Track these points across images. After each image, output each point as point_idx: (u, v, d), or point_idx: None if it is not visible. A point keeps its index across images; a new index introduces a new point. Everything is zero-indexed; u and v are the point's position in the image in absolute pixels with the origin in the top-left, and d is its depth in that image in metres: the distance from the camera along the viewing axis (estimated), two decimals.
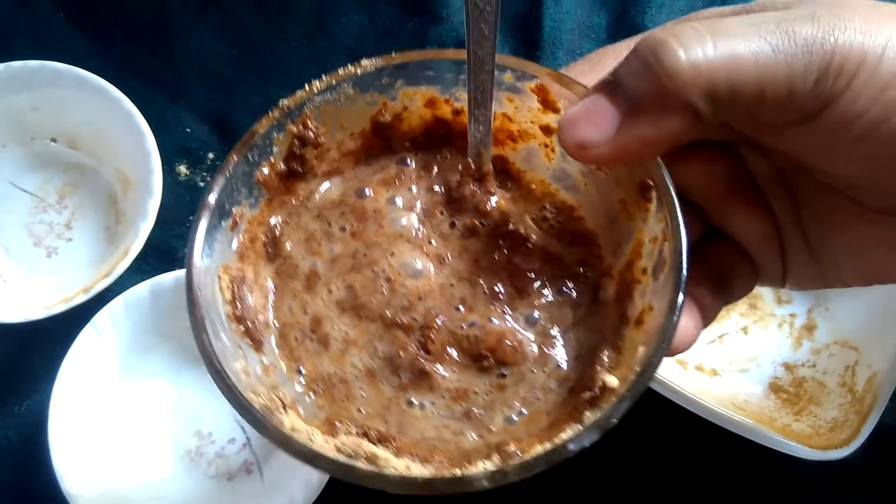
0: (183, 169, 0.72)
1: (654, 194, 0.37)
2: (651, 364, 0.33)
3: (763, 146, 0.38)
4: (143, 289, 0.62)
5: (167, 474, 0.63)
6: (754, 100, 0.32)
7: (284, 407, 0.37)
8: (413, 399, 0.39)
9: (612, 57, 0.39)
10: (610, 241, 0.42)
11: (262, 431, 0.33)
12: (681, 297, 0.34)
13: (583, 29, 0.75)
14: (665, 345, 0.34)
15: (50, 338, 0.63)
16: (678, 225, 0.35)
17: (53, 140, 0.71)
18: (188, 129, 0.73)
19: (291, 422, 0.36)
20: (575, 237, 0.42)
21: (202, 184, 0.72)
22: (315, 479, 0.58)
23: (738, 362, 0.69)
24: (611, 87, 0.34)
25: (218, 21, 0.75)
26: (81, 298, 0.61)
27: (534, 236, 0.42)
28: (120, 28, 0.74)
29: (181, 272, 0.62)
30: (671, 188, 0.36)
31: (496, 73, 0.39)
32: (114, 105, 0.66)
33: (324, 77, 0.40)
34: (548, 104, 0.41)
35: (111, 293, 0.62)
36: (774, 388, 0.68)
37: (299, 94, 0.40)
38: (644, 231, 0.39)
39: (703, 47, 0.31)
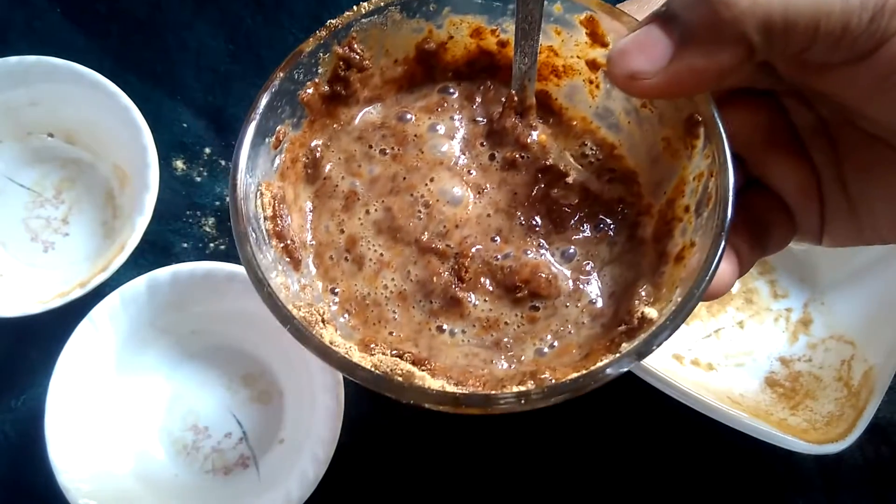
0: (179, 164, 0.72)
1: (701, 130, 0.37)
2: (693, 294, 0.33)
3: (809, 92, 0.38)
4: (139, 283, 0.62)
5: (163, 469, 0.63)
6: (808, 34, 0.31)
7: (323, 321, 0.37)
8: (444, 325, 0.39)
9: None
10: (650, 180, 0.42)
11: (301, 340, 0.34)
12: (727, 224, 0.34)
13: None
14: (709, 273, 0.33)
15: (47, 332, 0.63)
16: (726, 158, 0.35)
17: (50, 135, 0.71)
18: (185, 125, 0.73)
19: (330, 335, 0.36)
20: (614, 175, 0.42)
21: (199, 179, 0.72)
22: (311, 474, 0.58)
23: (734, 357, 0.69)
24: (664, 17, 0.33)
25: (215, 16, 0.75)
26: (78, 293, 0.62)
27: (573, 172, 0.42)
28: (117, 23, 0.74)
29: (177, 267, 0.62)
30: (720, 123, 0.36)
31: (545, 2, 0.38)
32: (111, 100, 0.66)
33: None
34: (596, 38, 0.41)
35: (108, 288, 0.62)
36: (770, 382, 0.68)
37: (347, 14, 0.40)
38: (689, 168, 0.38)
39: None
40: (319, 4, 0.75)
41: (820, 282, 0.72)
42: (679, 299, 0.34)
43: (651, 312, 0.35)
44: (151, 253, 0.69)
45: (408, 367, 0.36)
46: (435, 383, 0.35)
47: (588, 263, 0.40)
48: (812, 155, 0.39)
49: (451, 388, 0.36)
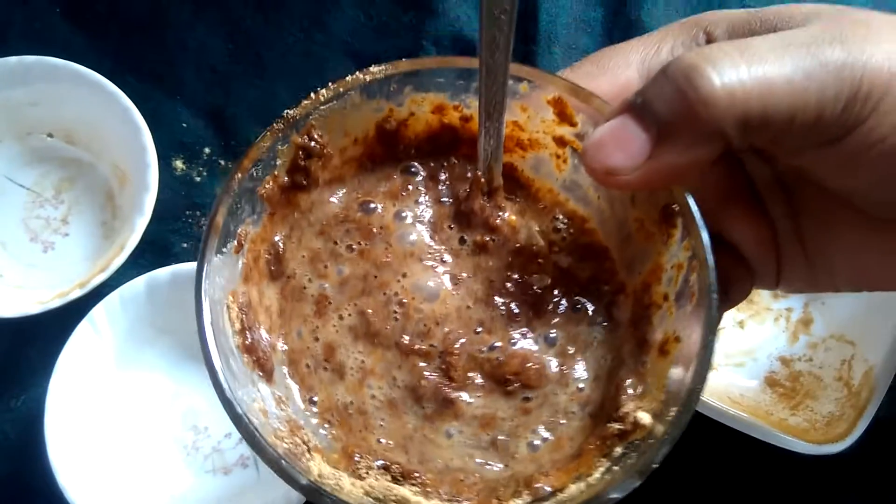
0: (179, 164, 0.72)
1: (679, 221, 0.36)
2: (688, 407, 0.33)
3: (769, 156, 0.38)
4: (138, 283, 0.62)
5: (163, 469, 0.63)
6: (784, 127, 0.31)
7: (309, 450, 0.36)
8: (439, 428, 0.38)
9: (619, 58, 0.39)
10: (622, 257, 0.41)
11: (291, 483, 0.32)
12: (713, 335, 0.33)
13: (578, 24, 0.75)
14: (700, 385, 0.33)
15: (46, 332, 0.63)
16: (707, 256, 0.34)
17: (50, 135, 0.71)
18: (184, 124, 0.73)
19: (318, 467, 0.35)
20: (586, 251, 0.41)
21: (198, 179, 0.72)
22: None
23: (734, 356, 0.69)
24: (638, 109, 0.33)
25: (214, 16, 0.75)
26: (77, 293, 0.62)
27: (544, 252, 0.41)
28: (116, 23, 0.74)
29: (177, 267, 0.62)
30: (699, 218, 0.35)
31: (510, 83, 0.37)
32: (110, 100, 0.66)
33: (330, 85, 0.38)
34: (564, 117, 0.39)
35: (107, 288, 0.62)
36: (771, 382, 0.68)
37: (305, 103, 0.38)
38: (665, 255, 0.38)
39: (737, 72, 0.30)
40: (317, 4, 0.75)
41: None
42: (673, 412, 0.33)
43: (644, 417, 0.35)
44: (151, 253, 0.69)
45: (401, 492, 0.35)
46: None
47: (571, 347, 0.40)
48: (769, 208, 0.39)
49: None
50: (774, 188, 0.39)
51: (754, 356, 0.69)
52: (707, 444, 0.66)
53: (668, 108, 0.31)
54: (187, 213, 0.71)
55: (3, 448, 0.64)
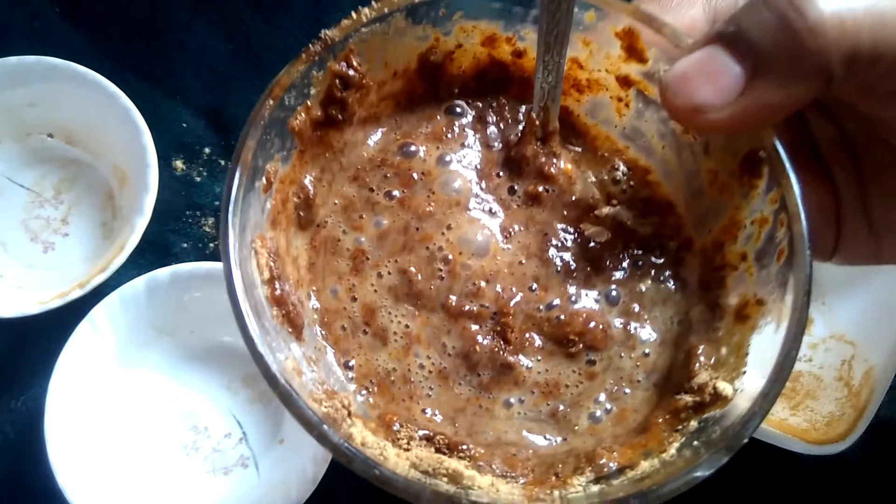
0: (179, 164, 0.72)
1: (765, 170, 0.32)
2: (781, 376, 0.29)
3: (840, 107, 0.34)
4: (138, 284, 0.62)
5: (163, 469, 0.63)
6: (892, 64, 0.28)
7: (350, 414, 0.32)
8: (497, 398, 0.35)
9: None
10: (691, 213, 0.37)
11: (332, 450, 0.29)
12: (808, 296, 0.30)
13: None
14: (795, 351, 0.30)
15: (46, 333, 0.63)
16: (801, 208, 0.31)
17: (50, 135, 0.71)
18: (184, 125, 0.73)
19: (360, 435, 0.31)
20: (647, 206, 0.38)
21: (198, 179, 0.72)
22: (310, 474, 0.58)
23: None
24: (731, 38, 0.29)
25: (214, 16, 0.75)
26: (77, 293, 0.61)
27: (602, 205, 0.37)
28: (116, 24, 0.74)
29: (177, 267, 0.62)
30: (789, 166, 0.31)
31: (575, 10, 0.33)
32: (110, 100, 0.66)
33: (374, 3, 0.34)
34: (633, 52, 0.35)
35: (107, 288, 0.62)
36: None
37: (345, 23, 0.34)
38: (744, 210, 0.34)
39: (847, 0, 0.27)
40: (318, 5, 0.75)
41: (821, 282, 0.72)
42: (765, 381, 0.29)
43: (726, 388, 0.31)
44: (151, 253, 0.69)
45: (453, 465, 0.31)
46: (484, 481, 0.31)
47: (635, 305, 0.36)
48: (833, 172, 0.36)
49: (504, 489, 0.31)
50: (840, 151, 0.36)
51: None
52: None
53: (767, 37, 0.28)
54: (187, 213, 0.71)
55: (3, 448, 0.64)
